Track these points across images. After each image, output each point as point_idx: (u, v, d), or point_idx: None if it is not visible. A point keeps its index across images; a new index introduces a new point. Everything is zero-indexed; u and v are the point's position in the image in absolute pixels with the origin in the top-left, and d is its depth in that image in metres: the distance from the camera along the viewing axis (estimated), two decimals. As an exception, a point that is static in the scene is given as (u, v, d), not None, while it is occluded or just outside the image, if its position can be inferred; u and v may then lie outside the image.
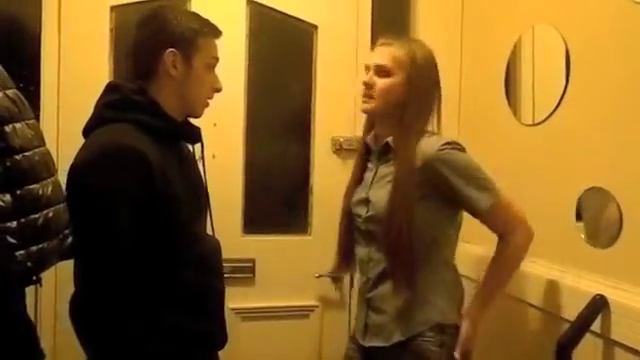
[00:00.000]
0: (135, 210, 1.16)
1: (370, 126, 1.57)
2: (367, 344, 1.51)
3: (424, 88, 1.46)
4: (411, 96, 1.45)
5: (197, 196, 1.35)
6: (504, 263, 1.43)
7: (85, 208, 1.16)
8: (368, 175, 1.55)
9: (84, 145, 1.22)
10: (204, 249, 1.33)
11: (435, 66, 1.51)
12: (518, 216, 1.43)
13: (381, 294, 1.48)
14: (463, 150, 1.45)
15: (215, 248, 1.38)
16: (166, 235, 1.21)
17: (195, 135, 1.35)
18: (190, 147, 1.40)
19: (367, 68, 1.51)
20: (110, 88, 1.28)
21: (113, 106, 1.24)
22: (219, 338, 1.36)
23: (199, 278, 1.28)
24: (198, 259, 1.29)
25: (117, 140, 1.17)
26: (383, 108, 1.47)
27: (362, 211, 1.52)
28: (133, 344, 1.17)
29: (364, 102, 1.50)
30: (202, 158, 1.39)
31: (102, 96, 1.27)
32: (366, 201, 1.51)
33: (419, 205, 1.41)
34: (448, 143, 1.42)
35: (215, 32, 1.31)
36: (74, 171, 1.17)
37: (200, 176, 1.39)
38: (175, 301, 1.24)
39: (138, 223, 1.16)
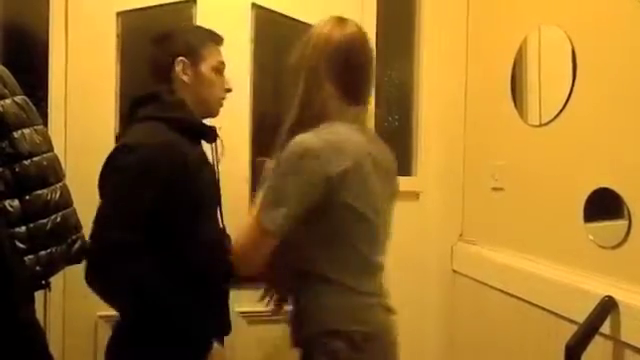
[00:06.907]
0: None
1: None
2: None
3: None
4: None
5: (211, 195, 1.38)
6: None
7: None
8: None
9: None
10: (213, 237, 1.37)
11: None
12: None
13: None
14: None
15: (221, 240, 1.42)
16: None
17: (214, 134, 1.40)
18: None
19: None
20: (147, 96, 1.33)
21: (146, 105, 1.31)
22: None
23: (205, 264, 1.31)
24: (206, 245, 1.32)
25: (153, 136, 1.24)
26: None
27: None
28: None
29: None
30: (216, 156, 1.42)
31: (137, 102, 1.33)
32: None
33: None
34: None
35: (216, 39, 1.41)
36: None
37: (214, 175, 1.41)
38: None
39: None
